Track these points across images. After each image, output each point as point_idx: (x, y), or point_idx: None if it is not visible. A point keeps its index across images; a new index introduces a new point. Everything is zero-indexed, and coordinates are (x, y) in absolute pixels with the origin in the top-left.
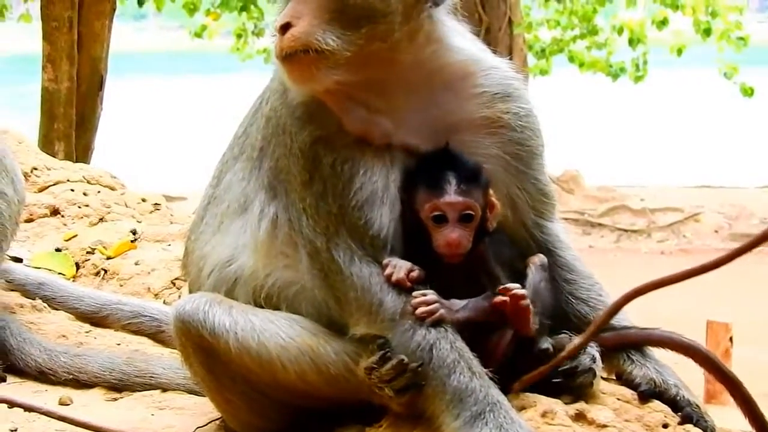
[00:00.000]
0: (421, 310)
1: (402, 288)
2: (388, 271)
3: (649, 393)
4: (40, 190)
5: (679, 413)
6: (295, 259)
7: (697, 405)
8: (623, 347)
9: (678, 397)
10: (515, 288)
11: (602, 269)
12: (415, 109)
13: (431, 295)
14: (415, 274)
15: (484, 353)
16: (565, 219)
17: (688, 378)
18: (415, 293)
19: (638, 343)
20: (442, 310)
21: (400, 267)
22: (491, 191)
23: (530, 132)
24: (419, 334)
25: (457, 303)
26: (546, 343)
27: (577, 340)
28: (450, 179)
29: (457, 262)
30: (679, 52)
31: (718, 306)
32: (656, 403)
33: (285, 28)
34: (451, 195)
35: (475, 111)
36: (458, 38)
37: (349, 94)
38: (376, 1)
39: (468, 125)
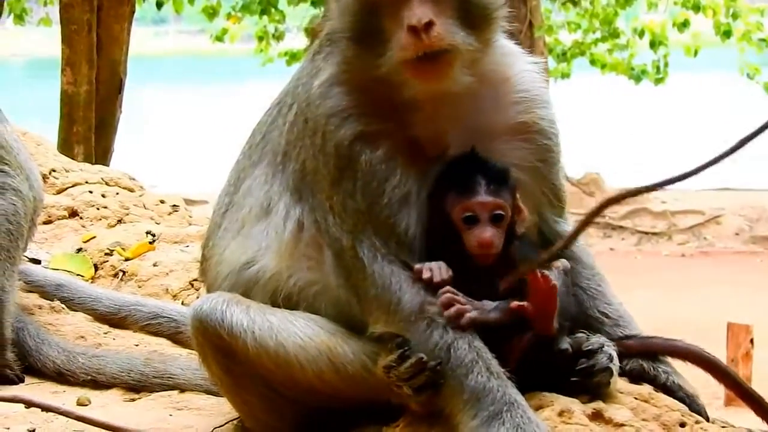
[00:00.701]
0: (453, 309)
1: (431, 289)
2: (426, 275)
3: (636, 375)
4: (59, 192)
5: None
6: (319, 261)
7: (688, 390)
8: (646, 355)
9: (669, 383)
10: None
11: (623, 272)
12: (461, 115)
13: (461, 296)
14: (448, 275)
15: (502, 353)
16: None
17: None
18: (443, 292)
19: (661, 352)
20: (474, 312)
21: (437, 269)
22: (518, 196)
23: (556, 138)
24: (437, 334)
25: (489, 304)
26: (564, 344)
27: (545, 254)
28: (480, 180)
29: (488, 263)
30: (695, 52)
31: (739, 308)
32: (673, 402)
33: (429, 26)
34: (482, 195)
35: (513, 117)
36: (502, 36)
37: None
38: (498, 3)
39: (505, 131)
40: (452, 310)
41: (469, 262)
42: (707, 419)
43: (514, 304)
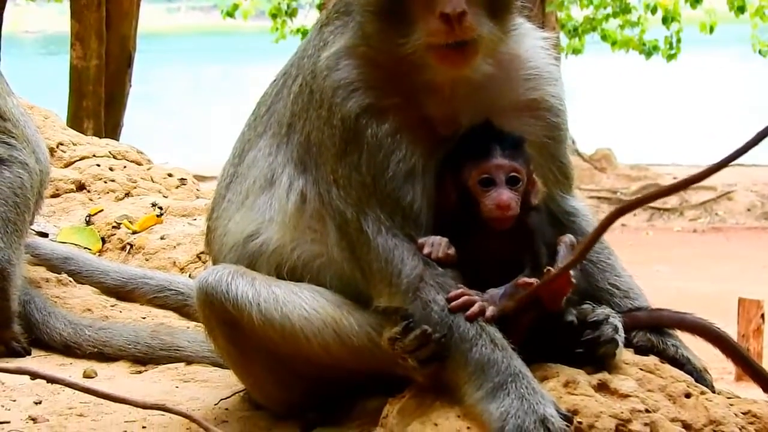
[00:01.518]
0: (476, 306)
1: (433, 263)
2: (426, 250)
3: (643, 349)
4: (66, 166)
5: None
6: (323, 233)
7: (696, 363)
8: (655, 328)
9: (677, 356)
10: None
11: (635, 248)
12: (475, 96)
13: (474, 295)
14: (451, 251)
15: (507, 326)
16: (598, 197)
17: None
18: (456, 295)
19: (670, 325)
20: (491, 307)
21: (438, 245)
22: (532, 167)
23: (564, 115)
24: (438, 309)
25: (496, 293)
26: (570, 316)
27: (567, 258)
28: (495, 146)
29: (505, 228)
30: (711, 29)
31: (750, 283)
32: (679, 373)
33: (461, 15)
34: (498, 158)
35: (523, 94)
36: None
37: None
38: None
39: (515, 108)
40: (475, 307)
41: (482, 237)
42: (714, 392)
43: (522, 281)
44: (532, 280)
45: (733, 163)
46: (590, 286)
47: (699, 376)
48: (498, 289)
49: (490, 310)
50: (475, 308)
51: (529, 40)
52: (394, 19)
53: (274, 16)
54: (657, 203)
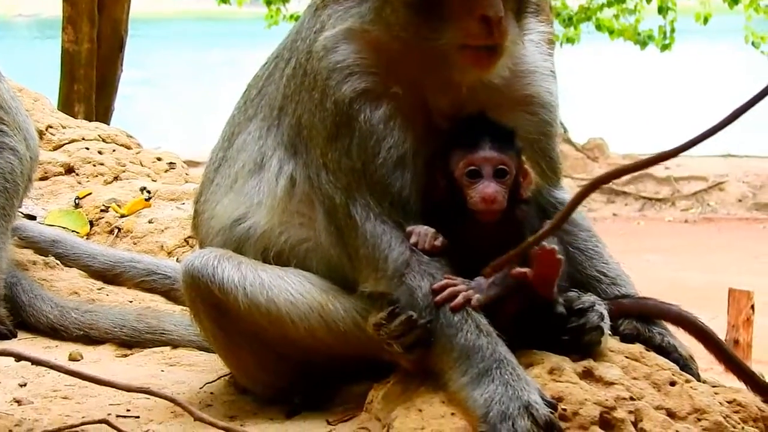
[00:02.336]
0: (461, 297)
1: (419, 251)
2: (413, 239)
3: (630, 337)
4: (55, 148)
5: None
6: (311, 218)
7: (683, 352)
8: (640, 316)
9: (664, 344)
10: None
11: (626, 237)
12: (479, 92)
13: (460, 284)
14: (438, 242)
15: (493, 313)
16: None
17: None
18: (441, 286)
19: (655, 315)
20: (477, 295)
21: (425, 235)
22: (524, 159)
23: (556, 111)
24: (423, 295)
25: (482, 281)
26: (560, 308)
27: (542, 230)
28: (485, 137)
29: (492, 220)
30: (705, 20)
31: (740, 274)
32: (664, 361)
33: (501, 20)
34: (486, 150)
35: (519, 89)
36: None
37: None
38: None
39: (511, 103)
40: (459, 298)
41: (471, 227)
42: (699, 381)
43: (516, 271)
44: (526, 270)
45: (724, 153)
46: (578, 273)
47: (685, 364)
48: (484, 279)
49: (475, 299)
50: (459, 299)
51: (527, 33)
52: (430, 14)
53: (268, 3)
54: (649, 193)
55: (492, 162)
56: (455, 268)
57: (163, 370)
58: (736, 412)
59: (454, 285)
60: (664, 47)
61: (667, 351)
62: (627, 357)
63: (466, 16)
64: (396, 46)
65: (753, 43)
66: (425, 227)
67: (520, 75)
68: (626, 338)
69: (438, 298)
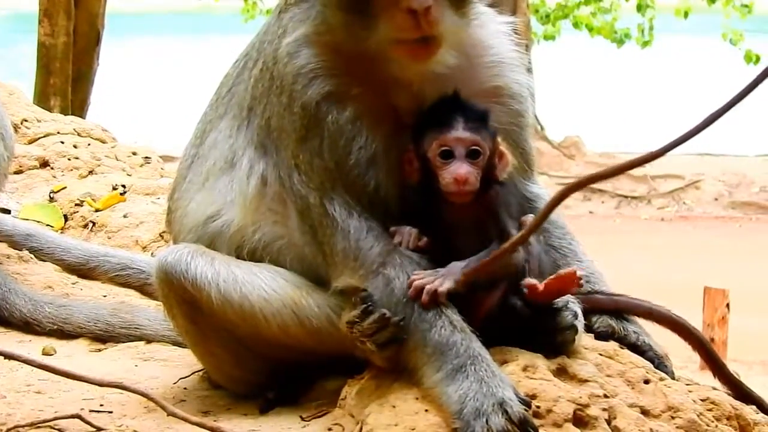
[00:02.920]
0: (425, 296)
1: (398, 247)
2: (397, 239)
3: (605, 335)
4: (30, 142)
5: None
6: (284, 215)
7: (658, 350)
8: (617, 314)
9: (639, 342)
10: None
11: (602, 235)
12: (437, 83)
13: (426, 276)
14: (422, 242)
15: (468, 310)
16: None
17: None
18: (410, 282)
19: (629, 310)
20: (446, 283)
21: (408, 234)
22: (499, 140)
23: (528, 102)
24: (399, 288)
25: (457, 265)
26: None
27: (516, 235)
28: (458, 117)
29: (465, 202)
30: (686, 14)
31: (716, 273)
32: (638, 359)
33: (427, 10)
34: (459, 131)
35: (487, 81)
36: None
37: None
38: None
39: (479, 94)
40: (424, 296)
41: (447, 210)
42: (674, 379)
43: (528, 283)
44: (536, 282)
45: (700, 152)
46: (552, 271)
47: (660, 363)
48: (461, 261)
49: (444, 285)
50: (425, 297)
51: (492, 25)
52: (358, 11)
53: None
54: (625, 191)
55: (464, 143)
56: (437, 252)
57: (136, 365)
58: (710, 410)
59: (420, 279)
60: (645, 44)
61: (641, 349)
62: (601, 355)
63: (394, 10)
64: (349, 48)
65: (731, 41)
66: (409, 227)
67: (488, 66)
68: (601, 336)
69: (409, 293)
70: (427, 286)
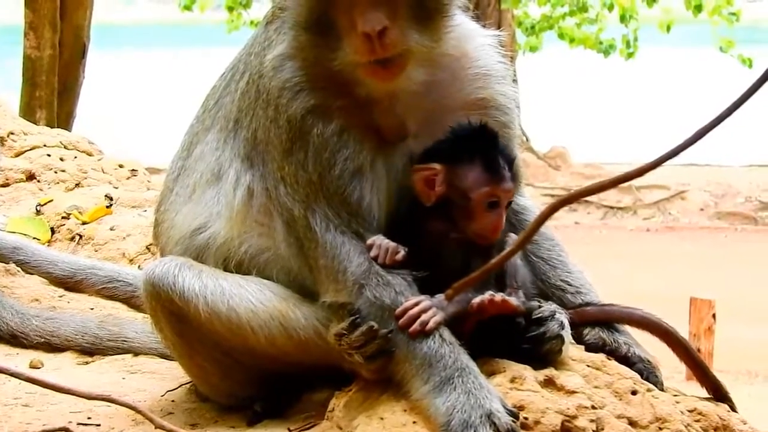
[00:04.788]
0: (417, 324)
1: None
2: (373, 252)
3: (595, 346)
4: (17, 155)
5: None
6: (270, 228)
7: (648, 361)
8: (607, 325)
9: (629, 354)
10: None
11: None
12: (420, 93)
13: (425, 301)
14: (399, 256)
15: (455, 321)
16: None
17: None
18: (401, 312)
19: (619, 320)
20: (438, 315)
21: (385, 249)
22: None
23: (514, 114)
24: (386, 302)
25: (443, 300)
26: (519, 318)
27: (508, 249)
28: (504, 165)
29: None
30: (668, 28)
31: (702, 283)
32: (625, 370)
33: (382, 33)
34: (508, 182)
35: (472, 93)
36: (458, 14)
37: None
38: None
39: (464, 107)
40: (416, 325)
41: (443, 240)
42: (663, 390)
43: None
44: (480, 300)
45: (686, 162)
46: (542, 282)
47: (649, 374)
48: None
49: (432, 322)
50: (416, 326)
51: (476, 39)
52: (323, 34)
53: (230, 9)
54: (611, 202)
55: (509, 195)
56: (417, 280)
57: (124, 378)
58: (698, 420)
59: (415, 305)
60: (629, 56)
61: (632, 361)
62: (589, 366)
63: (353, 33)
64: (323, 66)
65: (721, 48)
66: (386, 240)
67: (473, 78)
68: (591, 348)
69: (401, 322)
70: (422, 317)
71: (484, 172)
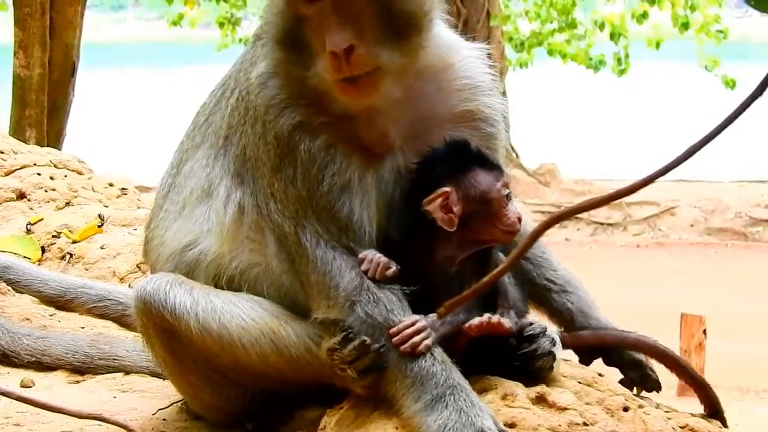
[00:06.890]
0: (408, 345)
1: (367, 276)
2: (364, 266)
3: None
4: (7, 174)
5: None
6: (261, 243)
7: (639, 362)
8: (599, 347)
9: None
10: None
11: (578, 262)
12: (402, 106)
13: (420, 321)
14: (390, 272)
15: (447, 340)
16: (541, 212)
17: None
18: (393, 333)
19: (614, 344)
20: (431, 337)
21: (376, 264)
22: None
23: (500, 125)
24: (378, 318)
25: (436, 321)
26: (511, 338)
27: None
28: (493, 160)
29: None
30: (657, 45)
31: (692, 299)
32: (617, 386)
33: (349, 51)
34: (505, 173)
35: (458, 105)
36: (440, 28)
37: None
38: (418, 9)
39: (449, 119)
40: (407, 345)
41: (435, 258)
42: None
43: (468, 326)
44: (479, 321)
45: (676, 178)
46: (527, 282)
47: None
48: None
49: (428, 341)
50: (407, 348)
51: (462, 51)
52: (298, 51)
53: (221, 25)
54: (601, 218)
55: (508, 186)
56: (408, 296)
57: (115, 396)
58: None
59: (411, 326)
60: (621, 72)
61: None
62: (580, 382)
63: (322, 52)
64: (303, 82)
65: (706, 67)
66: (377, 255)
67: (459, 90)
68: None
69: (394, 341)
70: (413, 339)
71: (488, 172)
